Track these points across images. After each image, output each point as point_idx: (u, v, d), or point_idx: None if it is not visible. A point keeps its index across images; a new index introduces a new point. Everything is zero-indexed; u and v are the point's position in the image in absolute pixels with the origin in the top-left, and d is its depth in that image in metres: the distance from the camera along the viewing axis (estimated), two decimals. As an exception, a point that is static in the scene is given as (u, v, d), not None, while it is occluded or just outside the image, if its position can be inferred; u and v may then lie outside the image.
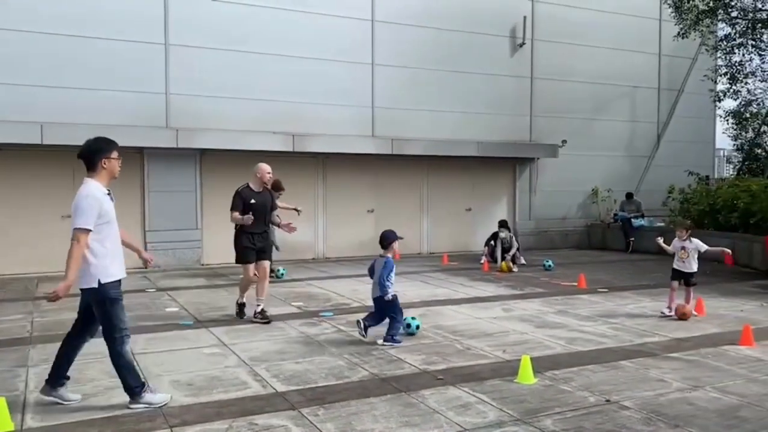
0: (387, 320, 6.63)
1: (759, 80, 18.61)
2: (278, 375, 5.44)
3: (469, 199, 16.06)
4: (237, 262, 7.78)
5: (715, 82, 18.16)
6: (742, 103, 19.39)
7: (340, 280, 11.14)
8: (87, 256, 4.62)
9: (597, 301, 9.13)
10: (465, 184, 16.01)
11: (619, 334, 7.03)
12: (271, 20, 13.42)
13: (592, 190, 17.47)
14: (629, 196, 16.91)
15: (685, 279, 8.05)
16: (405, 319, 6.83)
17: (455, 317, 7.93)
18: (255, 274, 7.61)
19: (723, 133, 22.45)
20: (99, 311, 4.72)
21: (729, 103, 35.29)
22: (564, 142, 16.67)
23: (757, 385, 5.19)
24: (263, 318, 7.49)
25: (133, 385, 4.68)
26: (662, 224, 15.94)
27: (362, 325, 6.53)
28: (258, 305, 7.56)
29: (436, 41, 15.14)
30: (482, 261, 13.09)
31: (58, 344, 6.44)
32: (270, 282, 8.38)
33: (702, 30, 16.17)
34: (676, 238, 8.14)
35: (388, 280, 6.58)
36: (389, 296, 6.54)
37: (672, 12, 16.26)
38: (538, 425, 4.32)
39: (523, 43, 16.24)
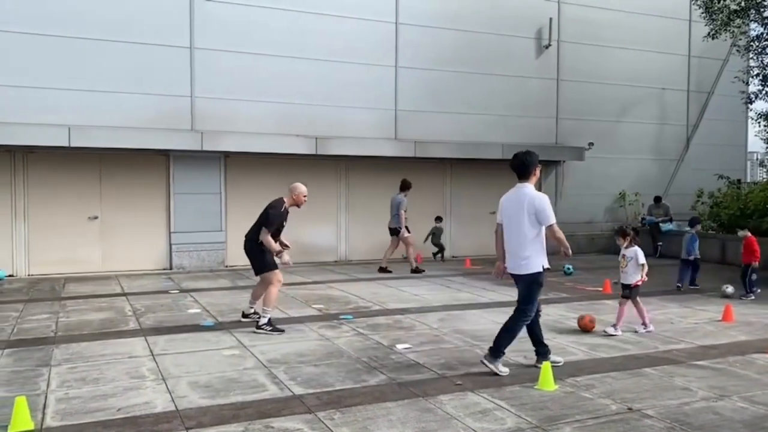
0: None
1: (792, 82, 18.14)
2: (296, 378, 5.43)
3: (492, 203, 15.71)
4: (267, 270, 7.38)
5: (747, 83, 17.73)
6: (775, 105, 18.97)
7: (360, 283, 11.12)
8: (541, 247, 5.64)
9: (622, 306, 8.95)
10: (489, 186, 15.85)
11: (643, 340, 6.89)
12: (294, 23, 13.47)
13: (620, 193, 17.21)
14: (657, 199, 16.62)
15: (623, 290, 7.37)
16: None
17: (477, 322, 7.85)
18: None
19: (755, 135, 21.94)
20: (527, 290, 5.67)
21: (761, 105, 34.46)
22: (590, 144, 16.45)
23: (787, 396, 5.03)
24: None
25: (502, 350, 5.58)
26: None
27: (681, 287, 10.10)
28: (252, 308, 7.85)
29: (461, 43, 15.06)
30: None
31: (82, 344, 6.58)
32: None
33: (733, 30, 15.81)
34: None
35: (692, 246, 10.26)
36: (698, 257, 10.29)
37: (702, 12, 15.93)
38: (557, 433, 4.24)
39: (549, 45, 16.08)
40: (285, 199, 7.48)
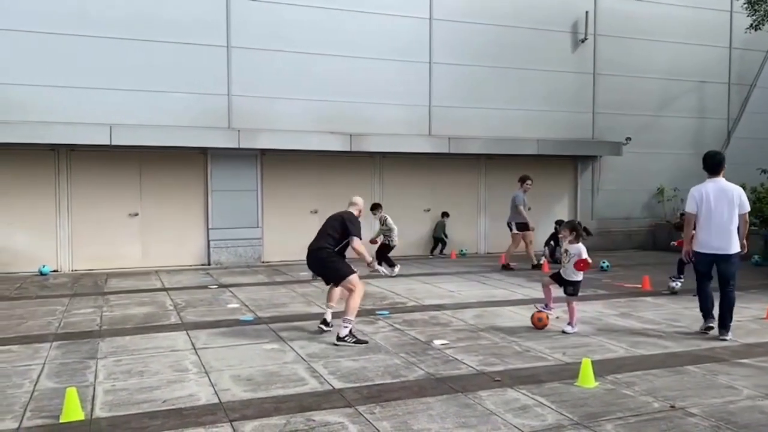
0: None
1: (839, 73, 17.59)
2: (335, 372, 5.49)
3: (528, 199, 15.74)
4: (348, 275, 6.77)
5: (791, 75, 17.28)
6: (821, 97, 18.36)
7: (396, 279, 11.15)
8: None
9: (662, 303, 8.83)
10: (524, 183, 15.75)
11: (684, 338, 6.77)
12: (329, 21, 13.54)
13: (658, 189, 16.91)
14: (697, 195, 16.26)
15: (564, 287, 7.16)
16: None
17: (513, 318, 7.81)
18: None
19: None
20: (731, 268, 6.77)
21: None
22: (628, 139, 16.21)
23: (836, 395, 4.91)
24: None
25: (730, 323, 6.75)
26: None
27: None
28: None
29: (495, 38, 14.96)
30: (542, 261, 12.86)
31: (127, 337, 6.74)
32: None
33: (776, 21, 15.42)
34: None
35: None
36: None
37: (744, 3, 15.56)
38: (599, 430, 4.21)
39: (585, 39, 15.87)
40: (354, 212, 7.16)
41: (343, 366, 5.68)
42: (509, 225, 12.70)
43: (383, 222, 11.79)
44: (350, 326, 6.51)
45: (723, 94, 17.69)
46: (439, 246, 14.89)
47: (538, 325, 7.15)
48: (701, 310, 7.15)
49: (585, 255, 7.01)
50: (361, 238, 6.89)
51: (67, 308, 8.46)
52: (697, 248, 6.91)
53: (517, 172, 15.59)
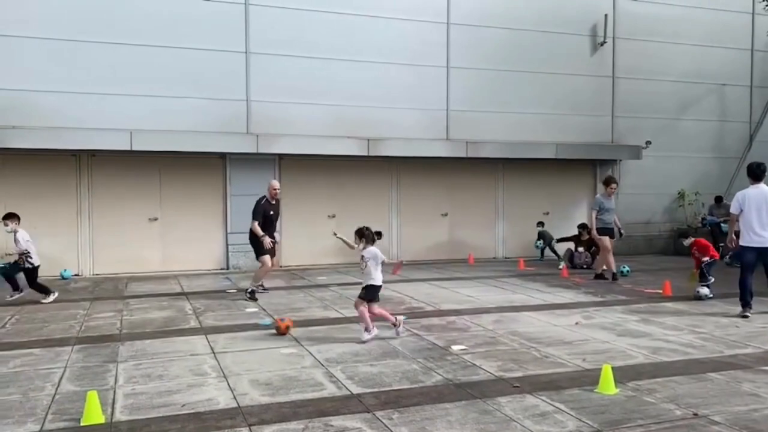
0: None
1: None
2: (353, 377, 5.48)
3: (547, 203, 15.71)
4: (260, 255, 9.69)
5: (815, 77, 17.01)
6: None
7: (413, 283, 11.13)
8: None
9: (683, 309, 8.72)
10: (542, 187, 15.68)
11: (707, 344, 6.68)
12: (346, 26, 13.59)
13: (679, 193, 16.72)
14: (719, 199, 16.08)
15: (362, 292, 6.94)
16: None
17: (532, 324, 7.76)
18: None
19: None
20: None
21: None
22: (648, 143, 16.05)
23: None
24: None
25: (748, 300, 8.16)
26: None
27: None
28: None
29: (514, 42, 14.91)
30: (561, 266, 12.76)
31: (146, 341, 6.79)
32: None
33: (800, 23, 15.22)
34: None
35: None
36: None
37: (766, 5, 15.37)
38: (620, 438, 4.16)
39: (604, 42, 15.76)
40: (266, 196, 9.82)
41: (361, 371, 5.67)
42: (598, 230, 11.67)
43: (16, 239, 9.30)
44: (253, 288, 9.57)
45: (745, 96, 17.46)
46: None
47: (278, 333, 7.01)
48: (740, 299, 8.27)
49: (382, 257, 6.92)
50: (256, 221, 9.51)
51: (88, 312, 8.55)
52: (743, 243, 8.19)
53: (535, 176, 15.58)
